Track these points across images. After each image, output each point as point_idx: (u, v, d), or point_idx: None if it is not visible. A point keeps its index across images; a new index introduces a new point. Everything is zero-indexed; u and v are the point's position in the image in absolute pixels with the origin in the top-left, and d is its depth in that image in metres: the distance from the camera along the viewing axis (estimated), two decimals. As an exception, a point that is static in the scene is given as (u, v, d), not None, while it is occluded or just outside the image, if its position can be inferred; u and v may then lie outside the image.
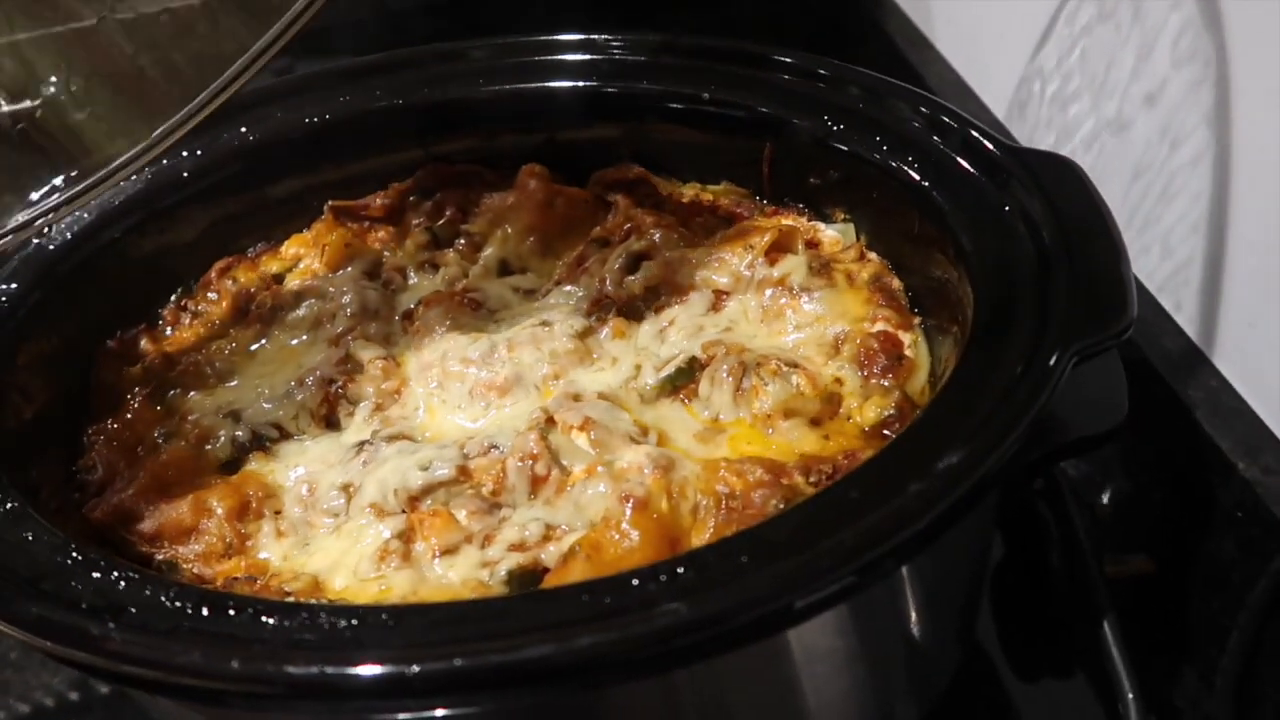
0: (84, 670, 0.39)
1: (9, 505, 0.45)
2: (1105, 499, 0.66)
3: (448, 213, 0.68)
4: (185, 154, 0.64)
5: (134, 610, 0.39)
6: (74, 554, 0.42)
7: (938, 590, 0.53)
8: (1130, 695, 0.50)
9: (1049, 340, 0.45)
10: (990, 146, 0.54)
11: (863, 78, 0.60)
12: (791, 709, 0.50)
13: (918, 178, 0.55)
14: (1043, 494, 0.59)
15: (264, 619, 0.39)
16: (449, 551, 0.49)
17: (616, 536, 0.47)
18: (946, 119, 0.56)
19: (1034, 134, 0.73)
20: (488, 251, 0.66)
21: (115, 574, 0.41)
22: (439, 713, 0.39)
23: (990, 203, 0.52)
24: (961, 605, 0.59)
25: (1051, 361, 0.44)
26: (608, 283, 0.61)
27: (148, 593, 0.40)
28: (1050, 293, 0.46)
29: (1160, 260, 0.63)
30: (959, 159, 0.54)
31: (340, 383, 0.58)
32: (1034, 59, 0.68)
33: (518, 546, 0.49)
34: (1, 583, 0.41)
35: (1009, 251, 0.49)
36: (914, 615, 0.51)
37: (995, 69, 0.78)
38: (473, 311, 0.62)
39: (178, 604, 0.39)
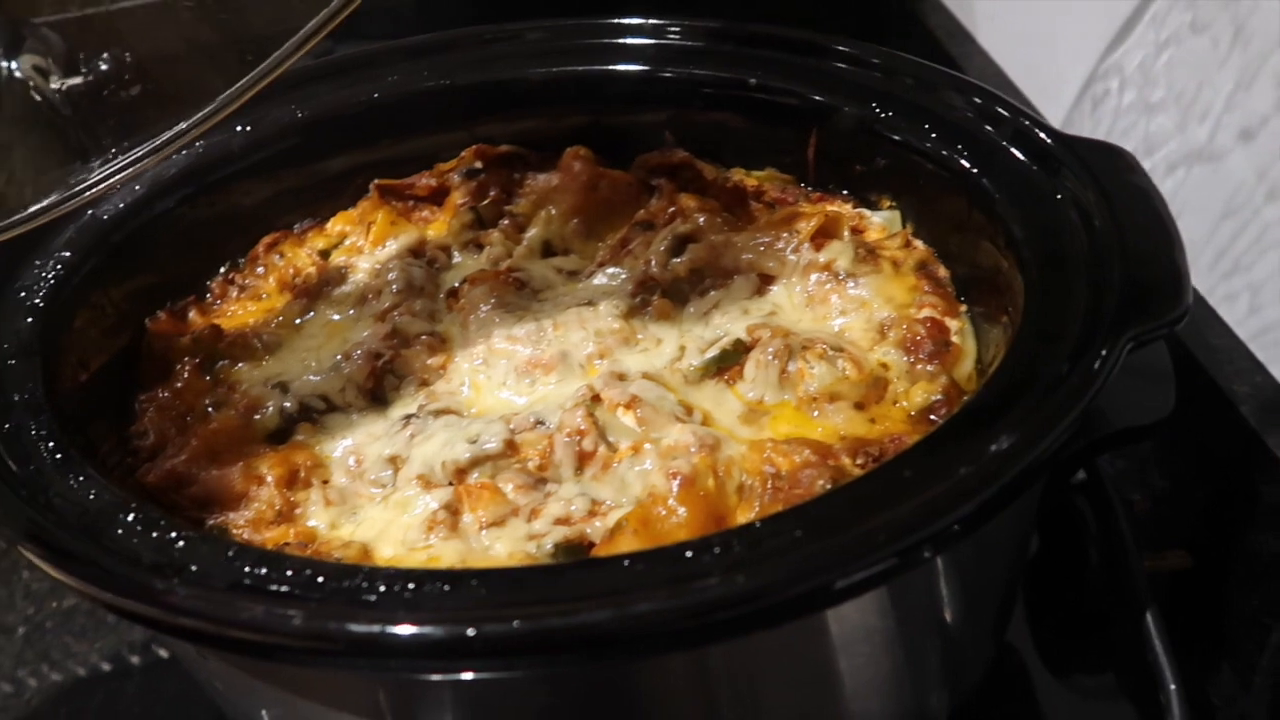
0: (147, 625, 0.39)
1: (71, 466, 0.46)
2: (1143, 494, 0.66)
3: (492, 193, 0.68)
4: (237, 129, 0.64)
5: (195, 568, 0.40)
6: (134, 513, 0.43)
7: (979, 579, 0.53)
8: (1172, 686, 0.50)
9: (1103, 326, 0.45)
10: (1042, 135, 0.54)
11: (915, 67, 0.60)
12: (829, 690, 0.50)
13: (968, 165, 0.55)
14: (1082, 487, 0.59)
15: (320, 579, 0.39)
16: (496, 524, 0.49)
17: (663, 512, 0.48)
18: (999, 108, 0.56)
19: (1108, 139, 0.71)
20: (531, 232, 0.66)
21: (174, 533, 0.42)
22: (469, 676, 0.40)
23: (1042, 191, 0.52)
24: (1000, 597, 0.59)
25: (1106, 348, 0.44)
26: (653, 264, 0.61)
27: (207, 551, 0.41)
28: (1103, 279, 0.47)
29: (1248, 314, 0.60)
30: (1010, 147, 0.54)
31: (387, 357, 0.58)
32: (1107, 59, 0.64)
33: (563, 521, 0.49)
34: (68, 539, 0.41)
35: (1061, 239, 0.50)
36: (955, 603, 0.51)
37: (1046, 67, 0.76)
38: (517, 291, 0.62)
39: (236, 563, 0.40)
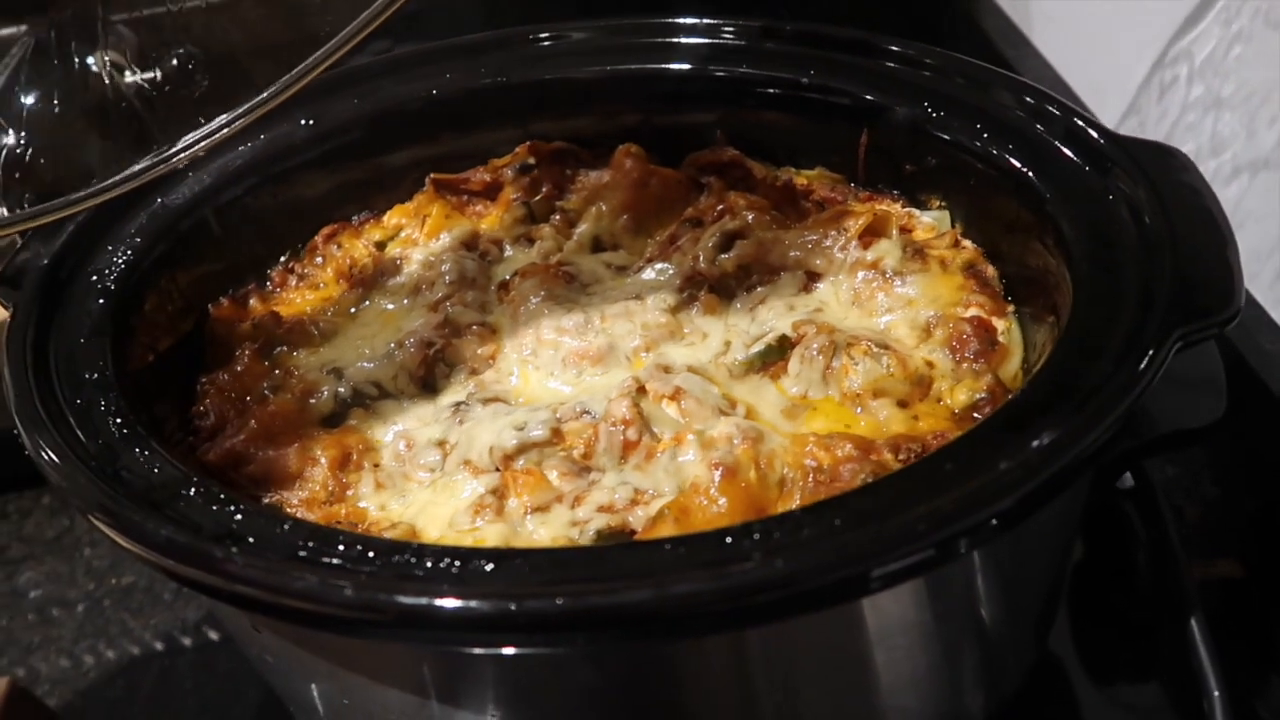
0: (206, 592, 0.41)
1: (138, 442, 0.48)
2: (1193, 502, 0.65)
3: (544, 189, 0.69)
4: (301, 122, 0.66)
5: (252, 539, 0.41)
6: (196, 487, 0.45)
7: (1020, 579, 0.53)
8: (1216, 693, 0.50)
9: (1151, 325, 0.44)
10: (1094, 135, 0.54)
11: (966, 66, 0.60)
12: (865, 682, 0.50)
13: (1018, 165, 0.55)
14: (1130, 494, 0.59)
15: (371, 553, 0.41)
16: (540, 509, 0.50)
17: (704, 502, 0.48)
18: (1050, 107, 0.56)
19: (1174, 132, 0.69)
20: (582, 228, 0.68)
21: (232, 507, 0.44)
22: (510, 652, 0.41)
23: (1093, 191, 0.52)
24: (1042, 599, 0.59)
25: (1153, 347, 0.44)
26: (700, 259, 0.62)
27: (264, 524, 0.42)
28: (1154, 278, 0.46)
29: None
30: (1062, 147, 0.54)
31: (439, 346, 0.60)
32: (1176, 44, 0.61)
33: (606, 508, 0.50)
34: (134, 508, 0.43)
35: (1111, 239, 0.49)
36: (994, 602, 0.51)
37: (1105, 68, 0.74)
38: (566, 284, 0.63)
39: (292, 536, 0.42)
